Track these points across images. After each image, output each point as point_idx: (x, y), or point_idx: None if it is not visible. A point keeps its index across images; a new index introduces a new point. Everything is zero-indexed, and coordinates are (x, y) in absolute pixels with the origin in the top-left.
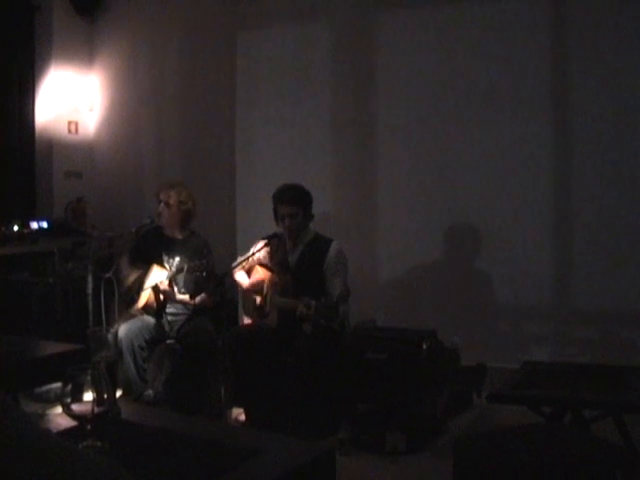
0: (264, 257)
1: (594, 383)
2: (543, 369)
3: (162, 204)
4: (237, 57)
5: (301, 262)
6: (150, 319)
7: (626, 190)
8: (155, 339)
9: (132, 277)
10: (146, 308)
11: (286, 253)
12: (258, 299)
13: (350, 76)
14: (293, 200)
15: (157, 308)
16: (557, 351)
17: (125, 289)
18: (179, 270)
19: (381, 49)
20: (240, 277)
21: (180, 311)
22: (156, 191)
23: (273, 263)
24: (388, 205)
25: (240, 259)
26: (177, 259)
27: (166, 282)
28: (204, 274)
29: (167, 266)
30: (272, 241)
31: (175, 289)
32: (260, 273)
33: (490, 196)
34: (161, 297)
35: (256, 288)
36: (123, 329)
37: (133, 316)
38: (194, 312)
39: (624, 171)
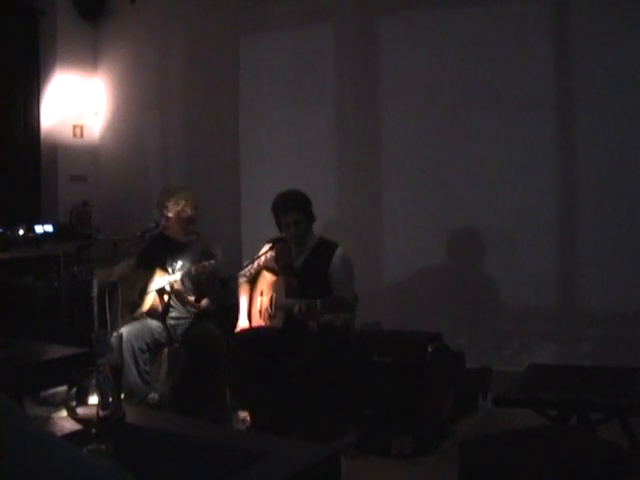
0: (270, 260)
1: (600, 385)
2: (548, 372)
3: (163, 217)
4: (240, 60)
5: (306, 267)
6: (152, 322)
7: (631, 191)
8: (158, 343)
9: (117, 274)
10: (150, 312)
11: (291, 258)
12: (265, 301)
13: (354, 79)
14: (295, 207)
15: (163, 311)
16: (562, 353)
17: (114, 281)
18: (187, 272)
19: (385, 51)
20: (241, 298)
21: (183, 315)
22: (156, 201)
23: (279, 266)
24: (392, 207)
25: (246, 267)
26: (179, 262)
27: (179, 283)
28: (207, 276)
29: (169, 269)
30: (278, 244)
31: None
32: (267, 278)
33: (494, 198)
34: (166, 299)
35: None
36: (123, 332)
37: (136, 319)
38: (197, 316)
39: (629, 172)
